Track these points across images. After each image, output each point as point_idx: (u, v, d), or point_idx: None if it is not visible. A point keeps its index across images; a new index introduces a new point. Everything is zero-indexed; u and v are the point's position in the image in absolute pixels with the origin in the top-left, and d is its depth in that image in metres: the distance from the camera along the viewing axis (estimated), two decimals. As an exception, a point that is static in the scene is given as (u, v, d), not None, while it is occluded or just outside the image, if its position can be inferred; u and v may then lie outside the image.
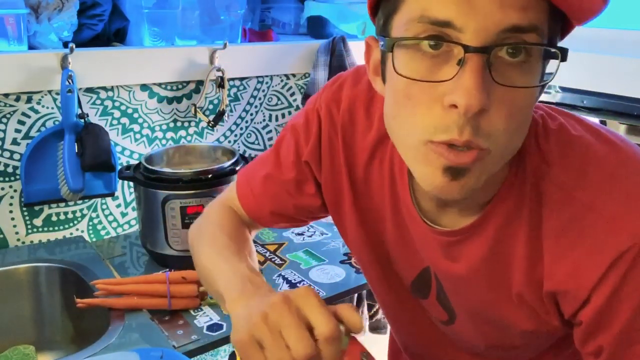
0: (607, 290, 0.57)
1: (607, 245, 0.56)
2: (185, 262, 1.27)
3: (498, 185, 0.63)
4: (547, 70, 0.59)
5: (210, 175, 1.27)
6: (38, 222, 1.43)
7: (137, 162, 1.40)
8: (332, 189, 0.81)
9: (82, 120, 1.37)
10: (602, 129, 0.64)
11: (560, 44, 0.58)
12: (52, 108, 1.38)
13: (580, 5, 0.51)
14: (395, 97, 0.56)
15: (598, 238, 0.57)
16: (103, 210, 1.51)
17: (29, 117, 1.36)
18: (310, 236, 1.49)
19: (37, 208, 1.42)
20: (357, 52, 1.70)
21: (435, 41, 0.52)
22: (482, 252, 0.66)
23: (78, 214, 1.48)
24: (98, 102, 1.44)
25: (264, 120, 1.74)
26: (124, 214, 1.55)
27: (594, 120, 0.87)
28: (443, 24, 0.50)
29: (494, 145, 0.54)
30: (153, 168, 1.29)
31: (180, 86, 1.56)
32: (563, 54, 0.54)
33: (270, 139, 1.77)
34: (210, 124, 1.59)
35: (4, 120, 1.34)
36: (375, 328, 1.67)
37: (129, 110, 1.50)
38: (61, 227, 1.46)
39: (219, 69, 1.55)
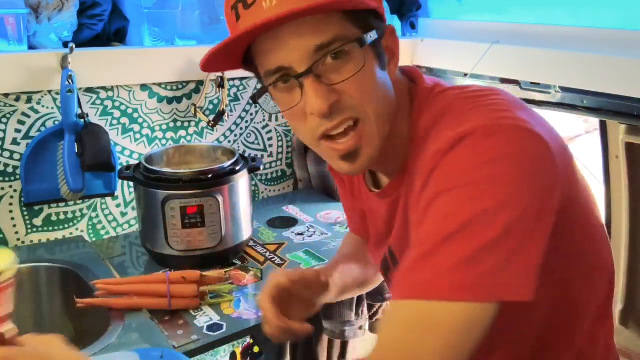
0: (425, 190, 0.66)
1: (433, 151, 0.66)
2: (185, 262, 1.27)
3: (405, 148, 0.76)
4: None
5: (210, 175, 1.27)
6: (38, 222, 1.43)
7: (137, 162, 1.40)
8: (348, 200, 1.03)
9: (82, 120, 1.37)
10: (472, 90, 0.74)
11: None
12: (52, 108, 1.38)
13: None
14: (287, 118, 0.77)
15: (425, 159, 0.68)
16: (103, 210, 1.51)
17: (29, 117, 1.36)
18: (310, 236, 1.49)
19: (37, 208, 1.42)
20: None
21: (283, 80, 0.71)
22: (401, 210, 0.78)
23: (78, 214, 1.48)
24: (98, 102, 1.44)
25: (264, 120, 1.74)
26: (123, 214, 1.54)
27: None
28: (280, 69, 0.70)
29: (362, 113, 0.71)
30: (153, 168, 1.29)
31: (180, 86, 1.56)
32: (364, 39, 0.69)
33: (270, 139, 1.77)
34: (210, 124, 1.59)
35: (4, 120, 1.34)
36: (376, 328, 1.67)
37: (129, 110, 1.50)
38: (61, 227, 1.46)
39: (219, 69, 1.55)
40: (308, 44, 0.67)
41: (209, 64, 0.74)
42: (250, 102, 1.68)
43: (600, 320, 0.80)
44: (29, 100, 1.35)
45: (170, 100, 1.56)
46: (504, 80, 1.57)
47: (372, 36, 0.70)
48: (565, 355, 0.77)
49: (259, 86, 0.77)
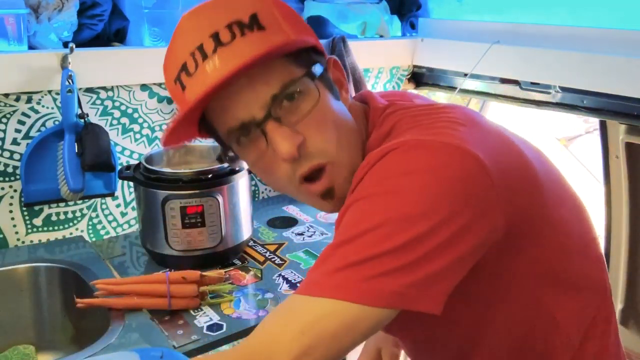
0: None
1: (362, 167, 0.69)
2: (185, 262, 1.27)
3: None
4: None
5: (210, 175, 1.27)
6: (38, 222, 1.43)
7: (137, 162, 1.40)
8: None
9: (82, 120, 1.37)
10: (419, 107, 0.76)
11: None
12: (52, 108, 1.38)
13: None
14: (256, 172, 0.78)
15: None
16: (103, 210, 1.51)
17: (29, 117, 1.36)
18: (310, 236, 1.49)
19: (37, 208, 1.42)
20: (357, 52, 1.70)
21: (244, 134, 0.72)
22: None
23: (78, 214, 1.48)
24: (98, 102, 1.44)
25: (264, 120, 1.74)
26: (123, 214, 1.55)
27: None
28: (243, 125, 0.71)
29: (330, 157, 0.72)
30: (153, 168, 1.29)
31: (180, 86, 1.56)
32: (313, 73, 0.72)
33: (270, 139, 1.77)
34: (210, 124, 1.59)
35: (4, 120, 1.34)
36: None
37: (129, 110, 1.50)
38: (61, 227, 1.46)
39: (219, 69, 1.55)
40: (263, 95, 0.70)
41: (169, 141, 0.74)
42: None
43: (591, 341, 0.78)
44: (29, 100, 1.35)
45: (170, 100, 1.56)
46: (504, 80, 1.57)
47: (318, 69, 0.72)
48: None
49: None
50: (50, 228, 1.45)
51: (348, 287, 0.61)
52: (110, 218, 1.53)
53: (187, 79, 0.71)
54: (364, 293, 0.61)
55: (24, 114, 1.35)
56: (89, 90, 1.42)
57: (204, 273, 1.17)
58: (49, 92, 1.37)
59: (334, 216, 1.22)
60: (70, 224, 1.48)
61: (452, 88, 1.75)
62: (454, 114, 0.72)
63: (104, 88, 1.44)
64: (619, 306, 1.54)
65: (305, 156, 0.71)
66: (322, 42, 1.68)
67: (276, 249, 1.42)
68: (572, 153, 3.31)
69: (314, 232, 1.52)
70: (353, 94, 0.95)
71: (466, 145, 0.64)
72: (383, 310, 0.61)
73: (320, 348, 0.62)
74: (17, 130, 1.36)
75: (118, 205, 1.53)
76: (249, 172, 1.35)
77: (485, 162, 0.64)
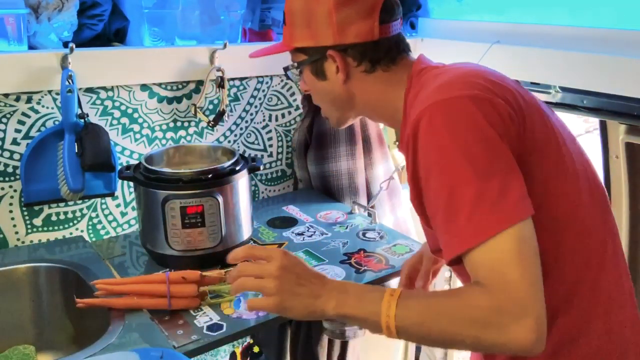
0: (412, 158, 0.83)
1: (409, 126, 0.83)
2: (185, 262, 1.27)
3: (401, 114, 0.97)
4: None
5: (210, 175, 1.27)
6: (38, 222, 1.43)
7: (137, 162, 1.40)
8: None
9: (82, 120, 1.37)
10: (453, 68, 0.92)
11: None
12: (52, 108, 1.38)
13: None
14: None
15: (409, 122, 0.84)
16: (103, 210, 1.51)
17: (29, 117, 1.36)
18: (310, 236, 1.49)
19: (37, 208, 1.42)
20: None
21: None
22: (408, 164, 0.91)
23: (78, 214, 1.48)
24: (98, 102, 1.44)
25: (263, 120, 1.74)
26: (123, 214, 1.55)
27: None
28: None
29: (319, 104, 1.09)
30: (153, 168, 1.29)
31: (180, 86, 1.56)
32: (285, 71, 1.09)
33: (270, 138, 1.77)
34: (210, 124, 1.59)
35: (4, 120, 1.34)
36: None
37: (129, 110, 1.50)
38: (61, 227, 1.46)
39: (219, 69, 1.55)
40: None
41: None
42: (251, 101, 1.68)
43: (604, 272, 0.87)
44: (29, 100, 1.35)
45: (170, 100, 1.56)
46: (504, 80, 1.57)
47: (297, 65, 1.03)
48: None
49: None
50: (50, 228, 1.45)
51: (501, 218, 0.74)
52: (110, 218, 1.53)
53: None
54: (510, 215, 0.74)
55: (24, 114, 1.35)
56: (89, 90, 1.42)
57: (204, 273, 1.17)
58: (49, 92, 1.37)
59: (334, 216, 1.45)
60: (70, 224, 1.48)
61: (452, 88, 1.75)
62: (466, 68, 0.89)
63: (104, 88, 1.44)
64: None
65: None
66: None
67: (276, 249, 1.42)
68: (572, 153, 3.30)
69: (314, 232, 1.51)
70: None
71: (470, 93, 0.80)
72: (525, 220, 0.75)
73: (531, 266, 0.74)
74: (17, 130, 1.36)
75: (118, 205, 1.53)
76: (249, 172, 1.36)
77: (491, 98, 0.80)
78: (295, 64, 1.05)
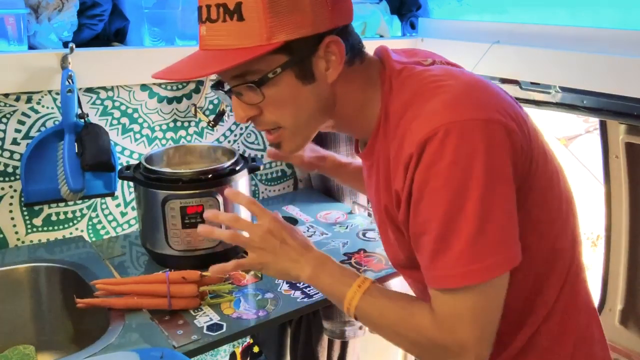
0: (410, 175, 0.76)
1: (411, 142, 0.75)
2: (185, 262, 1.27)
3: (377, 119, 0.86)
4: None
5: (210, 175, 1.27)
6: (38, 222, 1.43)
7: (137, 162, 1.40)
8: None
9: (82, 120, 1.37)
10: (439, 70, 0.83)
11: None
12: (52, 108, 1.38)
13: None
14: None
15: (409, 140, 0.76)
16: (103, 210, 1.51)
17: (29, 117, 1.36)
18: (310, 236, 1.49)
19: (37, 208, 1.42)
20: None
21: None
22: (373, 174, 0.89)
23: (78, 214, 1.48)
24: (98, 102, 1.44)
25: (264, 120, 1.74)
26: (123, 214, 1.55)
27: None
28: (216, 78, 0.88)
29: (283, 124, 0.85)
30: (153, 168, 1.29)
31: (180, 86, 1.56)
32: (267, 76, 0.80)
33: (270, 139, 1.77)
34: (210, 124, 1.59)
35: (4, 120, 1.34)
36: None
37: (129, 110, 1.50)
38: (61, 227, 1.46)
39: (219, 69, 1.55)
40: (228, 75, 0.81)
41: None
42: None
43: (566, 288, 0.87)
44: (29, 100, 1.35)
45: (170, 100, 1.56)
46: (504, 80, 1.57)
47: (281, 69, 0.78)
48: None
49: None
50: (50, 228, 1.45)
51: (475, 272, 0.73)
52: (110, 218, 1.53)
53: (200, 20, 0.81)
54: (483, 272, 0.73)
55: (24, 114, 1.35)
56: (89, 90, 1.42)
57: (204, 273, 1.17)
58: (49, 92, 1.37)
59: (334, 216, 1.43)
60: (70, 224, 1.48)
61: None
62: (461, 79, 0.80)
63: (104, 88, 1.44)
64: (618, 306, 1.54)
65: (259, 122, 0.86)
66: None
67: (276, 249, 1.42)
68: (572, 153, 3.31)
69: (314, 232, 1.51)
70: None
71: (477, 117, 0.74)
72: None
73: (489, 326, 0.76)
74: (17, 130, 1.36)
75: (118, 205, 1.53)
76: (249, 172, 1.36)
77: (501, 119, 0.74)
78: (278, 70, 0.78)
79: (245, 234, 0.93)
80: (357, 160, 1.19)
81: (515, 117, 0.77)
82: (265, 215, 0.92)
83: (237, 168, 1.31)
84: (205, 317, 1.12)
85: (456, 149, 0.72)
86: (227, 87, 0.85)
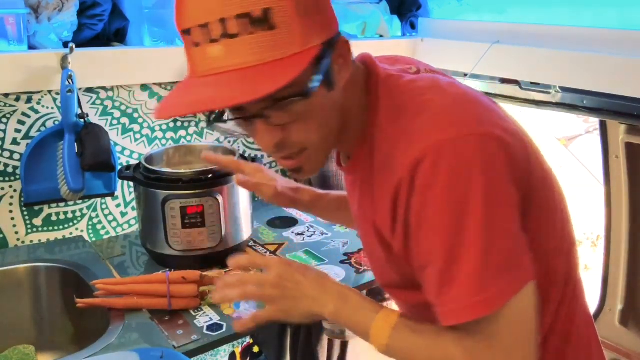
0: (403, 201, 0.71)
1: (401, 164, 0.70)
2: (185, 262, 1.27)
3: (362, 129, 0.80)
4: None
5: (210, 175, 1.27)
6: (38, 222, 1.43)
7: (137, 162, 1.40)
8: None
9: (82, 120, 1.37)
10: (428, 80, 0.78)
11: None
12: (52, 108, 1.38)
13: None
14: (239, 125, 0.79)
15: (398, 161, 0.71)
16: (103, 210, 1.51)
17: (29, 117, 1.36)
18: (310, 236, 1.49)
19: (37, 208, 1.42)
20: (356, 52, 1.70)
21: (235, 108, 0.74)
22: (357, 188, 0.85)
23: (78, 214, 1.48)
24: (98, 102, 1.44)
25: (264, 120, 1.74)
26: (123, 214, 1.55)
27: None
28: (234, 106, 0.72)
29: (308, 144, 0.75)
30: (153, 168, 1.29)
31: (180, 86, 1.56)
32: (309, 90, 0.69)
33: (270, 139, 1.77)
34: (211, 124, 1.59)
35: (4, 120, 1.34)
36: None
37: (129, 110, 1.50)
38: (61, 227, 1.46)
39: (219, 69, 1.55)
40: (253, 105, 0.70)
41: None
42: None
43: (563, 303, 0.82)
44: (29, 100, 1.35)
45: (170, 100, 1.55)
46: (504, 80, 1.57)
47: (315, 80, 0.68)
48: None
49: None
50: (50, 228, 1.45)
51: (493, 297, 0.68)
52: (110, 218, 1.53)
53: (192, 46, 0.68)
54: (491, 302, 0.68)
55: (24, 114, 1.35)
56: (89, 90, 1.42)
57: (204, 273, 1.17)
58: (49, 92, 1.37)
59: None
60: (70, 224, 1.48)
61: (452, 88, 1.75)
62: (452, 91, 0.76)
63: (104, 88, 1.44)
64: (618, 306, 1.54)
65: (284, 146, 0.75)
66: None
67: (276, 249, 1.42)
68: (572, 153, 3.31)
69: (314, 232, 1.52)
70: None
71: (474, 131, 0.69)
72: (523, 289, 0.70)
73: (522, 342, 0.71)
74: (17, 130, 1.36)
75: (118, 205, 1.53)
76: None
77: (502, 136, 0.70)
78: (318, 78, 0.69)
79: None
80: (334, 192, 1.13)
81: (509, 129, 0.72)
82: (271, 263, 0.84)
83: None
84: (205, 317, 1.12)
85: (450, 171, 0.67)
86: (228, 115, 0.75)
